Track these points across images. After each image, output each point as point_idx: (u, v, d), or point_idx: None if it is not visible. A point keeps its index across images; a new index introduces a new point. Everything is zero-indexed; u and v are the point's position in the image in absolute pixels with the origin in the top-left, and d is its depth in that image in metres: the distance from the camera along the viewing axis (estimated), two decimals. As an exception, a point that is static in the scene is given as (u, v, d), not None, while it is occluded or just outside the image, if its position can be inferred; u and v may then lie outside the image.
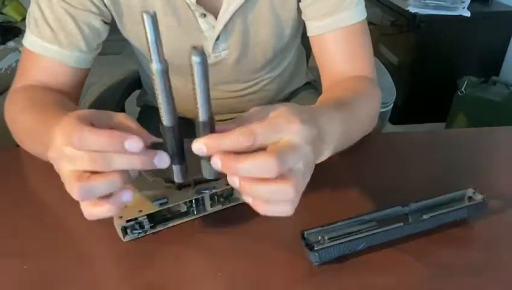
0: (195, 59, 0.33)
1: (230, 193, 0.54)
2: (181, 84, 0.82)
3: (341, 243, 0.45)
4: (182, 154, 0.40)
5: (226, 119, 0.91)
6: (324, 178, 0.61)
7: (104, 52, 0.74)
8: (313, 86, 1.01)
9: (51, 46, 0.65)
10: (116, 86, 0.95)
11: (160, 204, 0.49)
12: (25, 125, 0.58)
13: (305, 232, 0.46)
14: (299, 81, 0.97)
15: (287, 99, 0.97)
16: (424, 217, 0.48)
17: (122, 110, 0.98)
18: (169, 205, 0.49)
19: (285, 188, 0.36)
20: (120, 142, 0.36)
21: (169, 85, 0.35)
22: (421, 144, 0.70)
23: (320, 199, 0.55)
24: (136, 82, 1.00)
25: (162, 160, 0.38)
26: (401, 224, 0.47)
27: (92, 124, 0.39)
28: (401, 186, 0.58)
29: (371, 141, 0.64)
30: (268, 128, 0.37)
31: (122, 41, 0.78)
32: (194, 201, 0.51)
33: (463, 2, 2.05)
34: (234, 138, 0.36)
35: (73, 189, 0.38)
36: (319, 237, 0.46)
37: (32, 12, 0.65)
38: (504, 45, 2.19)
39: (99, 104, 0.88)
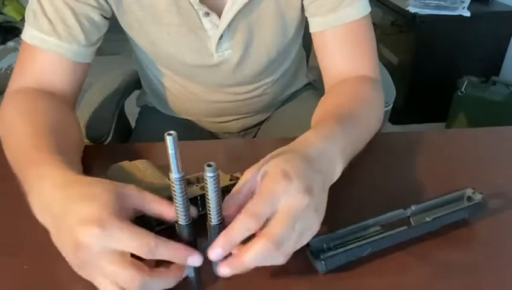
0: (209, 174, 0.38)
1: None
2: (180, 85, 0.82)
3: (346, 250, 0.44)
4: None
5: (230, 121, 0.92)
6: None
7: (103, 52, 0.74)
8: (314, 86, 1.01)
9: (49, 39, 0.63)
10: (116, 87, 0.94)
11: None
12: (11, 149, 0.54)
13: (310, 241, 0.45)
14: (300, 82, 0.97)
15: (288, 100, 0.97)
16: (427, 219, 0.48)
17: (122, 110, 0.98)
18: None
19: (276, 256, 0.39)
20: (185, 256, 0.39)
21: (185, 191, 0.39)
22: (421, 144, 0.69)
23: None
24: (135, 82, 1.00)
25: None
26: (405, 227, 0.47)
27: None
28: (401, 186, 0.57)
29: (371, 141, 0.64)
30: (266, 202, 0.39)
31: (121, 42, 0.78)
32: (199, 197, 0.51)
33: (463, 2, 2.05)
34: (242, 230, 0.38)
35: (134, 280, 0.37)
36: (324, 245, 0.45)
37: (31, 5, 0.64)
38: (504, 45, 2.19)
39: (99, 105, 0.87)
